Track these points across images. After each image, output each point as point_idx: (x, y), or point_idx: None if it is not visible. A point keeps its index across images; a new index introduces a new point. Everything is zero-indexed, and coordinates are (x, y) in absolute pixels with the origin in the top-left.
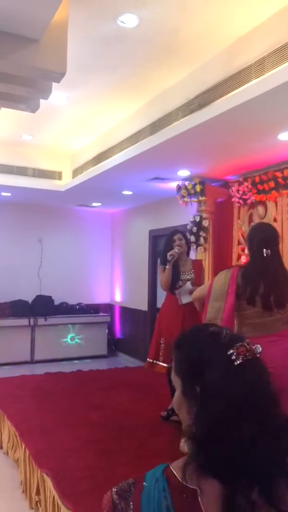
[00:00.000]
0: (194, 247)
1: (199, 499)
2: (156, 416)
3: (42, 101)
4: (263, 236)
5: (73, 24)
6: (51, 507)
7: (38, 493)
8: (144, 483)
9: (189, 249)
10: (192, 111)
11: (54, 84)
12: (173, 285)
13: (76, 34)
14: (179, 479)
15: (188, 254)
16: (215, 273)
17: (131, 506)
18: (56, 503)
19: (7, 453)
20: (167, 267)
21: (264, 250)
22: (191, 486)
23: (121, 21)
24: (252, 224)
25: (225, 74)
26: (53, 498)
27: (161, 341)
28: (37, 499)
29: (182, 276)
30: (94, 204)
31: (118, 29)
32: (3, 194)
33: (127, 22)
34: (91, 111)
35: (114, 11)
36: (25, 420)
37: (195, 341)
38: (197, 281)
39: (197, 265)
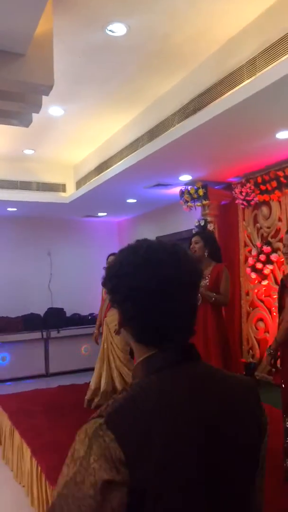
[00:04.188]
0: None
1: None
2: None
3: (40, 115)
4: None
5: (62, 36)
6: None
7: None
8: None
9: (214, 251)
10: (187, 115)
11: (50, 98)
12: None
13: (65, 46)
14: None
15: (214, 257)
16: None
17: None
18: None
19: (12, 469)
20: None
21: None
22: None
23: (109, 30)
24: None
25: (217, 76)
26: None
27: None
28: None
29: None
30: (100, 214)
31: (107, 38)
32: (9, 209)
33: (115, 31)
34: (89, 122)
35: (101, 20)
36: (37, 436)
37: None
38: (210, 286)
39: (215, 270)
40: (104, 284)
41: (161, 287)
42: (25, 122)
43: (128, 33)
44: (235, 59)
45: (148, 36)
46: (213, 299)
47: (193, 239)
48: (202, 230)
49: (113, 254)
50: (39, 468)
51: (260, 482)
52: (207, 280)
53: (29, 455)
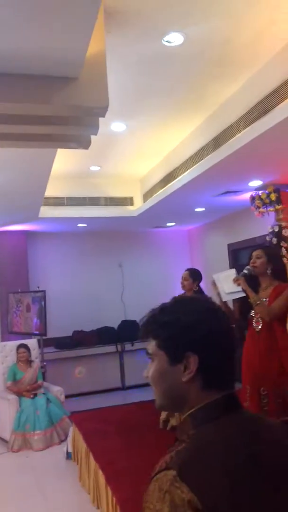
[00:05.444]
0: None
1: None
2: None
3: (103, 132)
4: None
5: (118, 52)
6: None
7: None
8: None
9: (278, 269)
10: (253, 120)
11: (111, 114)
12: (242, 316)
13: (122, 61)
14: None
15: (278, 276)
16: None
17: None
18: None
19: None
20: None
21: None
22: None
23: (166, 41)
24: None
25: (284, 75)
26: None
27: (247, 388)
28: None
29: None
30: (168, 224)
31: (164, 49)
32: (80, 225)
33: (172, 41)
34: (152, 134)
35: (157, 32)
36: (111, 461)
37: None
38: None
39: (277, 291)
40: (157, 334)
41: (218, 337)
42: (84, 144)
43: (186, 42)
44: None
45: (207, 43)
46: (258, 302)
47: (255, 253)
48: (268, 245)
49: (188, 269)
50: (114, 499)
51: None
52: (266, 302)
53: (104, 482)
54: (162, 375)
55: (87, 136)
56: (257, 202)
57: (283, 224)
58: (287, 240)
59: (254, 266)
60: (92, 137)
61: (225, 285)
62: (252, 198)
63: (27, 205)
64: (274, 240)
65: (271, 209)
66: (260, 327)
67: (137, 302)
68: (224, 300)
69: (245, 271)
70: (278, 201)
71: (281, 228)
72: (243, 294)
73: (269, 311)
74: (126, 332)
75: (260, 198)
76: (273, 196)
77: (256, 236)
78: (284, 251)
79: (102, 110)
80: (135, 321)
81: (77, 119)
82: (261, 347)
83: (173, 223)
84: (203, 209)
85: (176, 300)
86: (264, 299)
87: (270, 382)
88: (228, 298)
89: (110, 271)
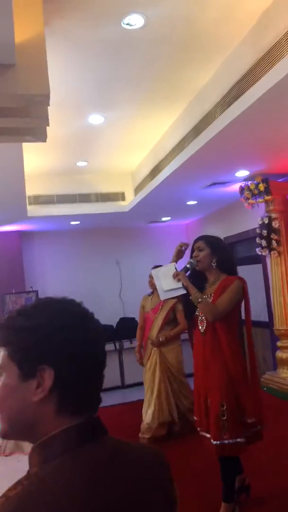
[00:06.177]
0: (267, 252)
1: None
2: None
3: (81, 125)
4: None
5: (76, 37)
6: None
7: None
8: None
9: (224, 261)
10: (229, 104)
11: (85, 107)
12: (187, 314)
13: (83, 51)
14: None
15: (224, 268)
16: None
17: None
18: None
19: None
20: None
21: None
22: None
23: (126, 24)
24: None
25: (256, 55)
26: None
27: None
28: None
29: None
30: (163, 219)
31: (126, 33)
32: (73, 223)
33: (133, 23)
34: (132, 125)
35: (116, 14)
36: None
37: None
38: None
39: (221, 286)
40: (9, 342)
41: (82, 349)
42: (41, 137)
43: (147, 24)
44: (273, 33)
45: (170, 25)
46: (199, 300)
47: (196, 245)
48: (210, 235)
49: (156, 266)
50: None
51: None
52: (210, 299)
53: None
54: (10, 393)
55: (42, 128)
56: (246, 193)
57: (273, 215)
58: (277, 231)
59: (197, 260)
60: (72, 130)
61: (163, 282)
62: (242, 189)
63: (10, 202)
64: (265, 232)
65: (260, 200)
66: (204, 327)
67: (135, 299)
68: (162, 298)
69: (188, 264)
70: (267, 191)
71: (271, 219)
72: (184, 291)
73: (212, 310)
74: (124, 330)
75: (249, 188)
76: (261, 187)
77: (251, 228)
78: (274, 243)
79: (44, 98)
80: (134, 318)
81: (23, 110)
82: (206, 350)
83: (169, 218)
84: (195, 202)
85: (39, 303)
86: (209, 296)
87: (213, 392)
88: (166, 296)
89: (108, 268)
